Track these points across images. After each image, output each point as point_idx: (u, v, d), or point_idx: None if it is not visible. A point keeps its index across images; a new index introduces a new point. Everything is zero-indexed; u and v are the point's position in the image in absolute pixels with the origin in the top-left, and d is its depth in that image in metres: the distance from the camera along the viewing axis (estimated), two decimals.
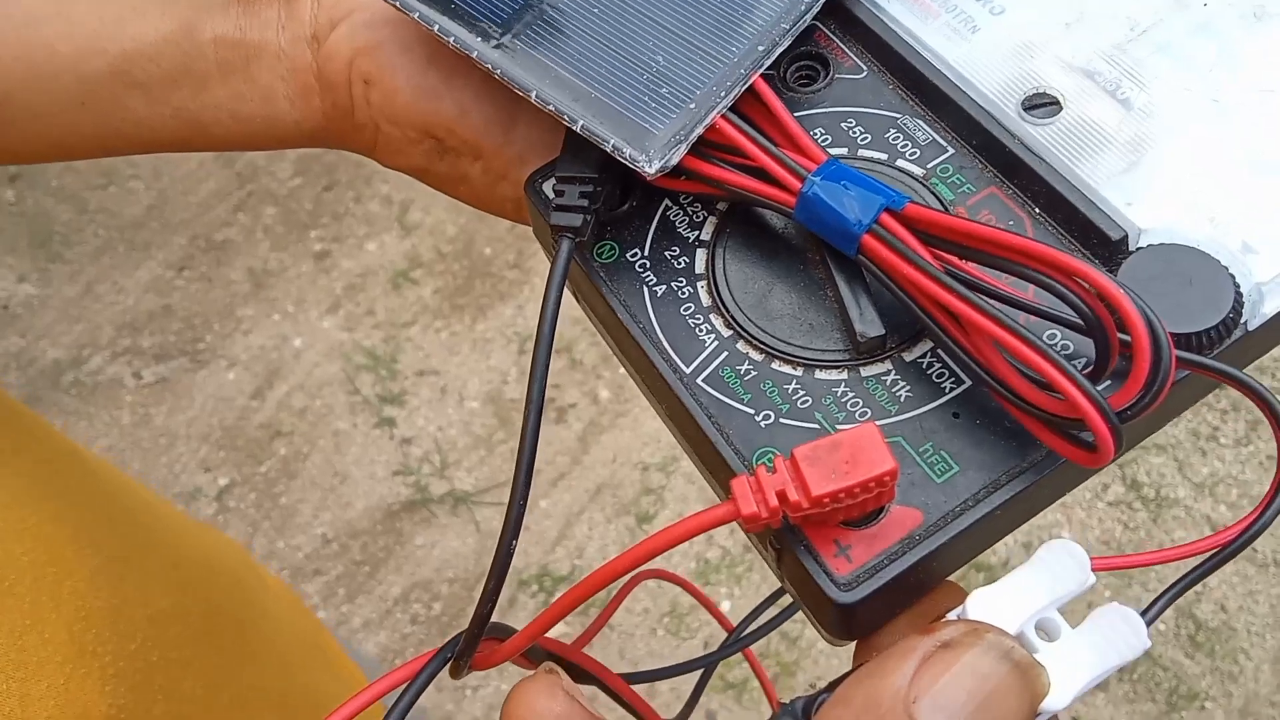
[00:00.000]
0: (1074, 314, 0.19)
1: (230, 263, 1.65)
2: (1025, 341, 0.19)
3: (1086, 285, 0.19)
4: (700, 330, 0.23)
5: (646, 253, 0.25)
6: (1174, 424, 1.36)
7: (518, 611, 1.29)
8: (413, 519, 1.39)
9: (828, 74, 0.26)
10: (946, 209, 0.24)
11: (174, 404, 1.52)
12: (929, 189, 0.24)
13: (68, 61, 0.28)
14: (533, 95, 0.23)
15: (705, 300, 0.24)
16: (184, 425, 1.51)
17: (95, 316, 1.62)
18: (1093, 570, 0.19)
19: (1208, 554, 0.20)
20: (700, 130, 0.23)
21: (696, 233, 0.25)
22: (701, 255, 0.24)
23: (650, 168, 0.22)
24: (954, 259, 0.21)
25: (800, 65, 0.26)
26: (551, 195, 0.24)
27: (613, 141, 0.22)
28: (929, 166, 0.24)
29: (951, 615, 0.20)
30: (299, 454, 1.46)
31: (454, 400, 1.48)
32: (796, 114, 0.26)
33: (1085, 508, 1.32)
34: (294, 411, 1.50)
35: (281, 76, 0.28)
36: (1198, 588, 1.26)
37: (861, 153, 0.25)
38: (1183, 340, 0.20)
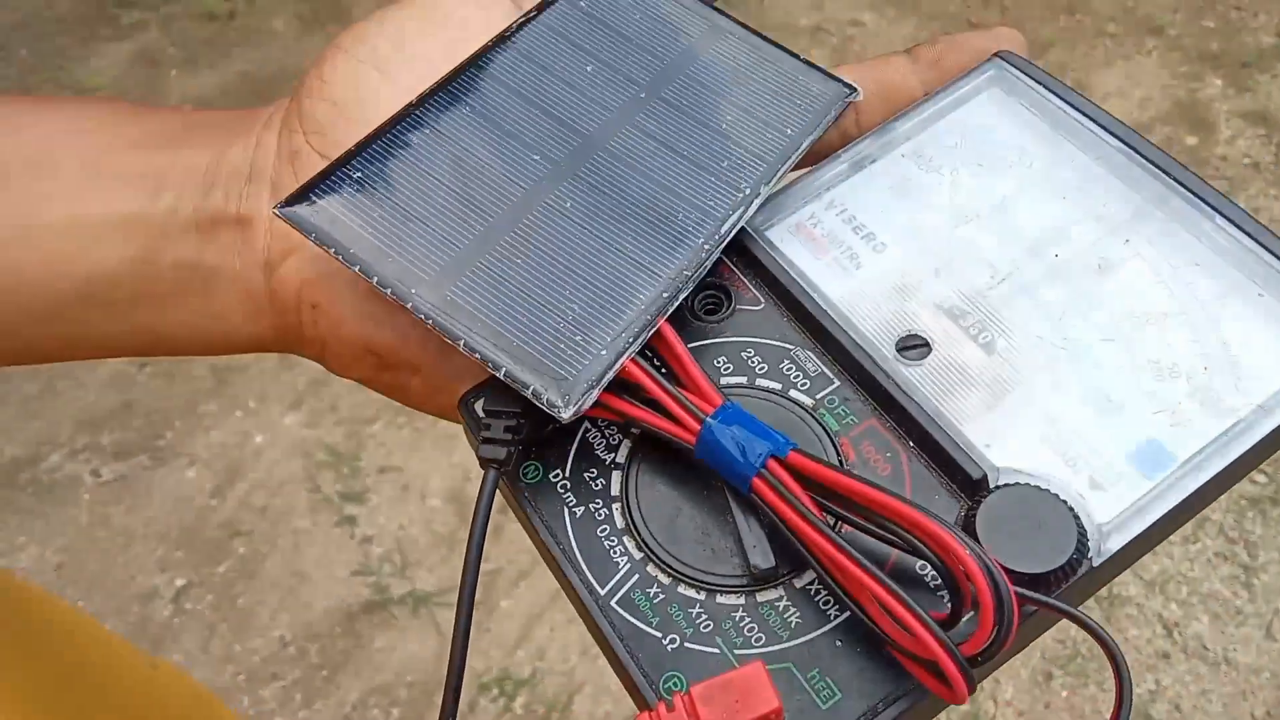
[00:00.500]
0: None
1: (192, 359, 1.65)
2: (889, 591, 0.22)
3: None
4: (615, 552, 0.26)
5: (568, 474, 0.27)
6: None
7: (478, 716, 1.28)
8: (372, 620, 1.39)
9: (730, 305, 0.29)
10: (833, 440, 0.26)
11: (132, 503, 1.52)
12: (817, 420, 0.27)
13: (35, 283, 0.30)
14: (461, 344, 0.25)
15: (620, 522, 0.26)
16: (142, 525, 1.50)
17: (54, 413, 1.61)
18: None
19: None
20: (611, 375, 0.25)
21: (613, 455, 0.27)
22: (617, 478, 0.27)
23: (565, 413, 0.25)
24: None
25: (707, 295, 0.29)
26: (481, 424, 0.27)
27: (532, 388, 0.25)
28: (818, 398, 0.27)
29: None
30: (258, 553, 1.46)
31: (416, 498, 1.48)
32: (704, 342, 0.28)
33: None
34: (254, 510, 1.49)
35: (237, 298, 0.30)
36: (1151, 687, 1.27)
37: (759, 382, 0.28)
38: (1032, 579, 0.23)
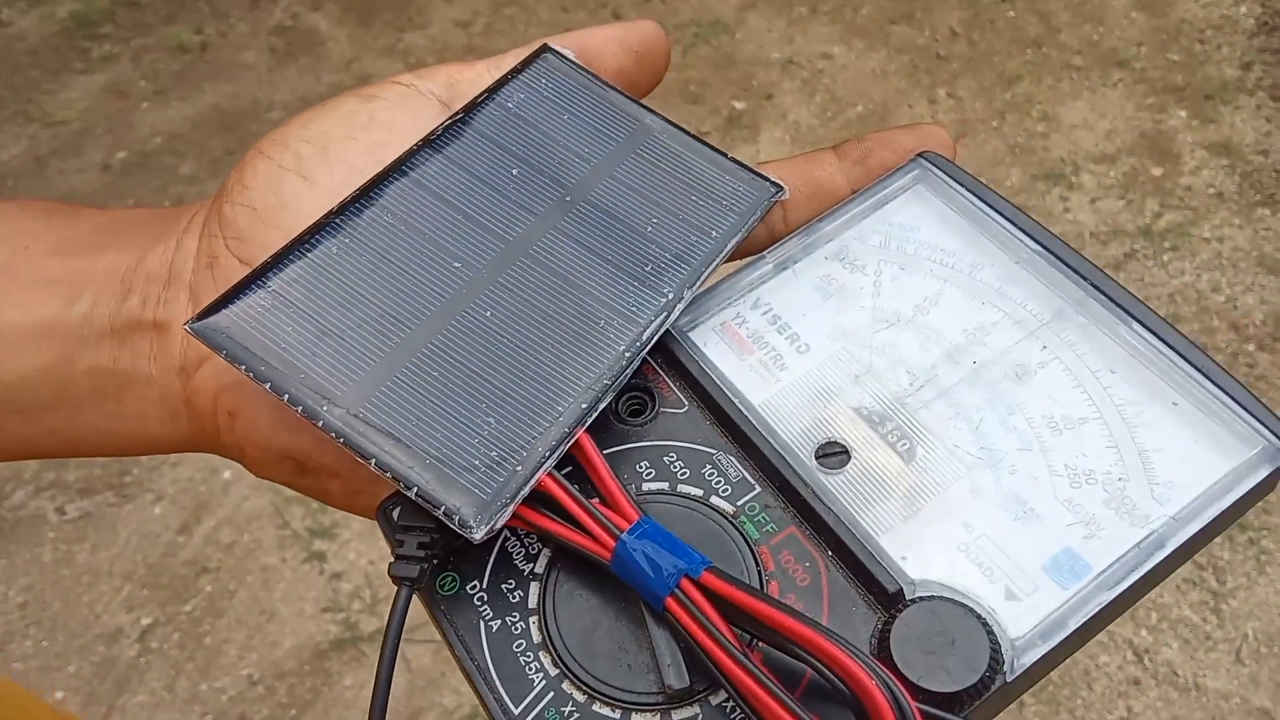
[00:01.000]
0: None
1: None
2: (796, 718, 0.22)
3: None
4: (530, 668, 0.26)
5: (484, 585, 0.27)
6: None
7: None
8: (342, 658, 1.37)
9: (654, 407, 0.29)
10: (752, 548, 0.26)
11: (98, 540, 1.50)
12: (737, 528, 0.27)
13: None
14: (372, 463, 0.25)
15: (536, 636, 0.26)
16: (107, 562, 1.48)
17: None
18: None
19: None
20: (526, 491, 0.25)
21: (531, 565, 0.27)
22: (535, 589, 0.27)
23: (477, 534, 0.25)
24: None
25: (631, 396, 0.29)
26: (394, 540, 0.26)
27: (444, 507, 0.25)
28: (739, 504, 0.27)
29: None
30: (225, 591, 1.44)
31: None
32: (625, 445, 0.28)
33: None
34: (221, 546, 1.48)
35: (152, 402, 0.30)
36: (1123, 714, 1.28)
37: (680, 487, 0.27)
38: (944, 699, 0.23)
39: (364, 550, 1.46)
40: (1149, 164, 1.72)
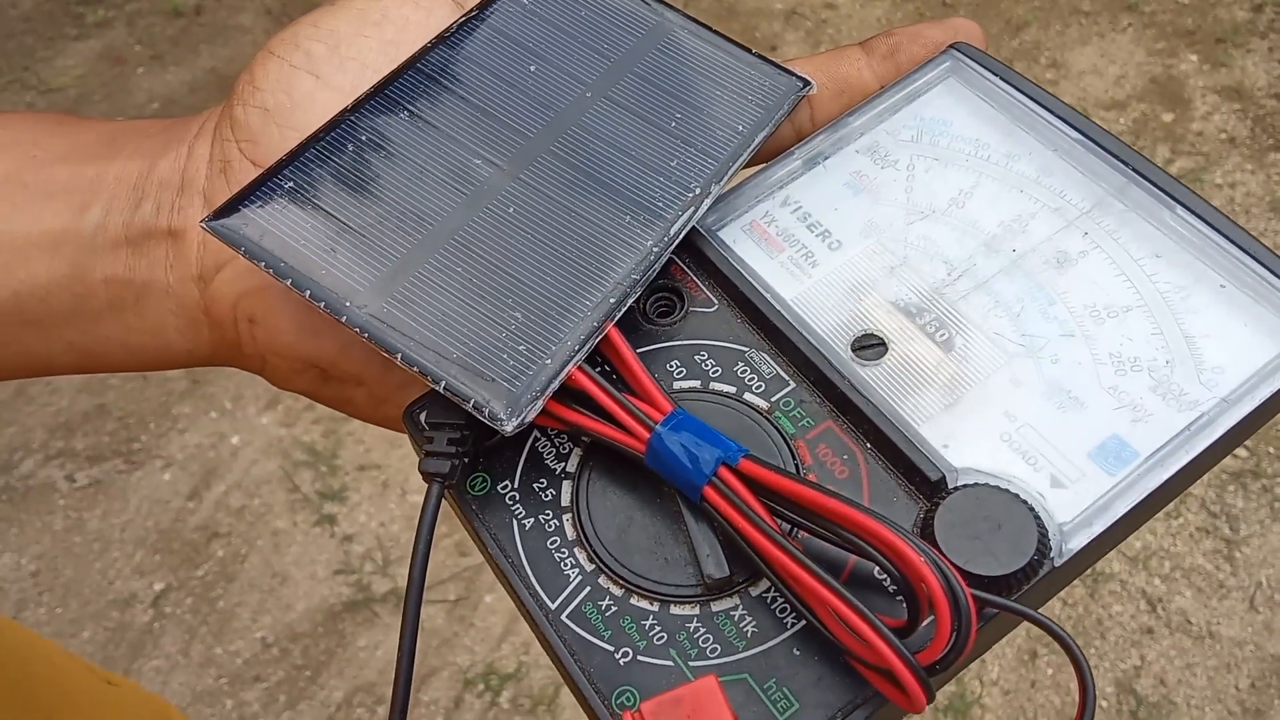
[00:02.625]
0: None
1: None
2: (843, 600, 0.21)
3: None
4: (565, 565, 0.25)
5: (516, 485, 0.26)
6: None
7: (463, 713, 1.28)
8: (355, 619, 1.38)
9: (683, 307, 0.28)
10: (788, 442, 0.26)
11: (108, 507, 1.50)
12: (772, 423, 0.26)
13: None
14: (398, 357, 0.25)
15: (570, 534, 0.25)
16: (118, 529, 1.48)
17: (27, 419, 1.59)
18: None
19: None
20: (556, 385, 0.25)
21: (563, 465, 0.26)
22: (567, 488, 0.26)
23: (508, 426, 0.24)
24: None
25: (659, 297, 0.28)
26: (424, 437, 0.26)
27: (474, 400, 0.24)
28: (773, 400, 0.26)
29: None
30: (237, 555, 1.44)
31: (396, 494, 1.47)
32: (655, 345, 0.28)
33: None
34: (232, 511, 1.48)
35: (171, 311, 0.29)
36: (1136, 662, 1.28)
37: (713, 385, 0.27)
38: (992, 582, 0.22)
39: (374, 513, 1.46)
40: (1160, 110, 1.70)
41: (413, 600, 0.24)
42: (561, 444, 0.27)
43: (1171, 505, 1.38)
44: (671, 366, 0.27)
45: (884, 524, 0.21)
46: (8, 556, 1.46)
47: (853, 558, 0.24)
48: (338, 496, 1.47)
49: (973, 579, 0.22)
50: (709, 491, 0.23)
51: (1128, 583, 1.34)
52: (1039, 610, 0.22)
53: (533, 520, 0.26)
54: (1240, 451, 1.41)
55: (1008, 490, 0.23)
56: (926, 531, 0.23)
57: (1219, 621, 1.30)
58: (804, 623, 0.23)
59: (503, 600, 1.36)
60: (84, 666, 0.47)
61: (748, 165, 0.30)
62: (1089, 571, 1.33)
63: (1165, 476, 0.24)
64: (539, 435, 0.27)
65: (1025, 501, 0.23)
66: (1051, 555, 0.23)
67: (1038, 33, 1.82)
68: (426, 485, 0.25)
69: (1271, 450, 1.42)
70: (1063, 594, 1.34)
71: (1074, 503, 0.24)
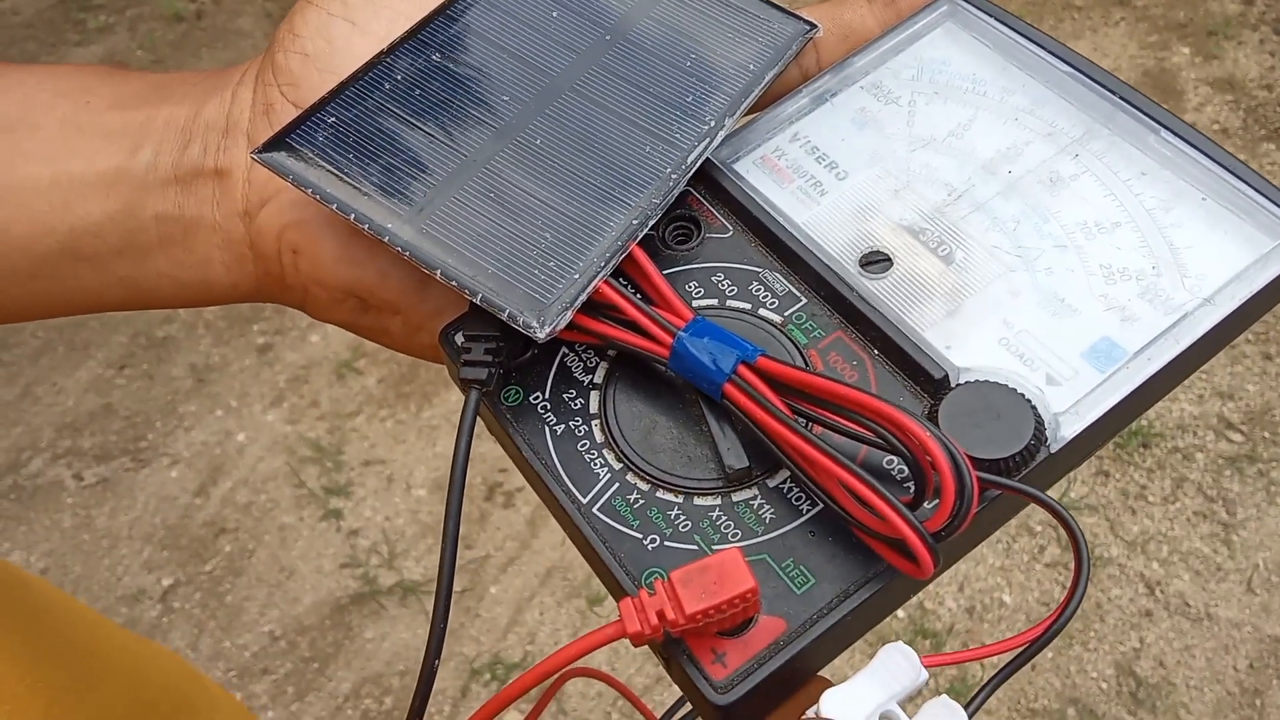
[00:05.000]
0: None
1: (172, 359, 1.65)
2: (856, 476, 0.23)
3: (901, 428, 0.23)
4: (595, 464, 0.27)
5: (547, 395, 0.28)
6: (1103, 484, 1.41)
7: (470, 702, 1.29)
8: (362, 612, 1.39)
9: (699, 234, 0.30)
10: (801, 352, 0.27)
11: (116, 505, 1.51)
12: (785, 335, 0.28)
13: (19, 241, 0.31)
14: (438, 273, 0.26)
15: (599, 437, 0.27)
16: (126, 526, 1.49)
17: (34, 419, 1.60)
18: (924, 667, 0.23)
19: (1019, 649, 0.24)
20: (584, 297, 0.26)
21: (590, 376, 0.28)
22: (595, 397, 0.28)
23: (541, 333, 0.26)
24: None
25: (676, 225, 0.30)
26: (461, 348, 0.28)
27: (508, 310, 0.26)
28: (786, 315, 0.28)
29: (810, 713, 0.23)
30: (244, 550, 1.46)
31: (401, 489, 1.49)
32: (674, 269, 0.30)
33: (1024, 570, 1.36)
34: (238, 507, 1.49)
35: (217, 246, 0.31)
36: (1135, 645, 1.30)
37: (729, 303, 0.29)
38: (993, 465, 0.24)
39: (379, 507, 1.48)
40: None
41: (454, 498, 0.26)
42: (589, 358, 0.29)
43: (1169, 489, 1.40)
44: (690, 287, 0.29)
45: (892, 406, 0.23)
46: (17, 554, 1.47)
47: (863, 449, 0.25)
48: (343, 491, 1.49)
49: (975, 463, 0.24)
50: (729, 388, 0.25)
51: (1126, 566, 1.36)
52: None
53: (564, 426, 0.28)
54: (1235, 436, 1.43)
55: (1006, 385, 0.25)
56: (932, 422, 0.25)
57: (1217, 604, 1.31)
58: (819, 508, 0.25)
59: (507, 591, 1.37)
60: (116, 626, 0.49)
61: (757, 105, 0.32)
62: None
63: (1152, 371, 0.26)
64: (567, 351, 0.29)
65: (1023, 394, 0.25)
66: (1048, 442, 0.25)
67: None
68: (464, 394, 0.27)
69: (1267, 435, 1.44)
70: (1063, 578, 1.36)
71: (1068, 396, 0.26)
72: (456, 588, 1.37)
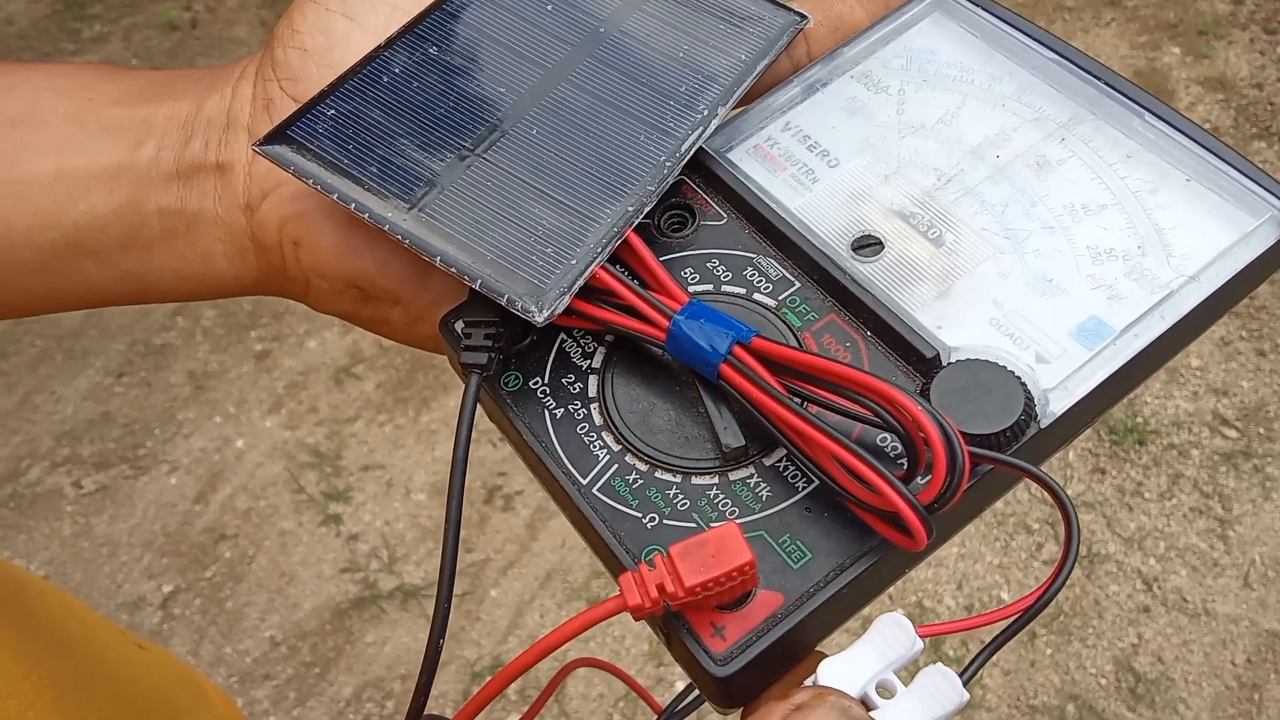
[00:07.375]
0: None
1: (170, 367, 1.65)
2: (851, 451, 0.23)
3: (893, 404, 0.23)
4: (594, 446, 0.27)
5: (546, 380, 0.29)
6: (1100, 481, 1.42)
7: None
8: (362, 616, 1.39)
9: (694, 221, 0.31)
10: (795, 335, 0.28)
11: (115, 512, 1.51)
12: (780, 318, 0.28)
13: (23, 235, 0.31)
14: (438, 260, 0.27)
15: (598, 420, 0.28)
16: (126, 533, 1.50)
17: (33, 427, 1.61)
18: (919, 636, 0.23)
19: (1012, 618, 0.24)
20: (581, 282, 0.27)
21: (589, 361, 0.29)
22: (593, 381, 0.28)
23: (539, 317, 0.26)
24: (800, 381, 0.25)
25: (671, 214, 0.31)
26: (461, 334, 0.28)
27: (508, 295, 0.27)
28: (780, 299, 0.29)
29: (807, 683, 0.23)
30: (244, 556, 1.46)
31: (400, 493, 1.49)
32: (670, 256, 0.30)
33: (1022, 568, 1.37)
34: (238, 513, 1.50)
35: (220, 240, 0.31)
36: (1134, 640, 1.30)
37: (724, 288, 0.29)
38: (985, 440, 0.25)
39: (379, 512, 1.48)
40: None
41: (456, 482, 0.26)
42: (587, 344, 0.29)
43: (1165, 486, 1.40)
44: (686, 273, 0.30)
45: (885, 381, 0.24)
46: (17, 563, 1.47)
47: (857, 426, 0.26)
48: (342, 496, 1.49)
49: (968, 439, 0.25)
50: (725, 369, 0.26)
51: (1123, 563, 1.36)
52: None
53: (563, 410, 0.28)
54: (1230, 432, 1.44)
55: (996, 362, 0.26)
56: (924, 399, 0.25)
57: (1214, 599, 1.32)
58: (814, 485, 0.26)
59: (507, 594, 1.38)
60: (117, 630, 0.49)
61: (749, 96, 0.32)
62: (1085, 553, 1.36)
63: (1139, 348, 0.26)
64: (565, 336, 0.29)
65: (1013, 370, 0.25)
66: (1038, 417, 0.25)
67: None
68: (464, 380, 0.27)
69: (1261, 431, 1.44)
70: None
71: (1057, 372, 0.26)
72: (456, 591, 1.37)
